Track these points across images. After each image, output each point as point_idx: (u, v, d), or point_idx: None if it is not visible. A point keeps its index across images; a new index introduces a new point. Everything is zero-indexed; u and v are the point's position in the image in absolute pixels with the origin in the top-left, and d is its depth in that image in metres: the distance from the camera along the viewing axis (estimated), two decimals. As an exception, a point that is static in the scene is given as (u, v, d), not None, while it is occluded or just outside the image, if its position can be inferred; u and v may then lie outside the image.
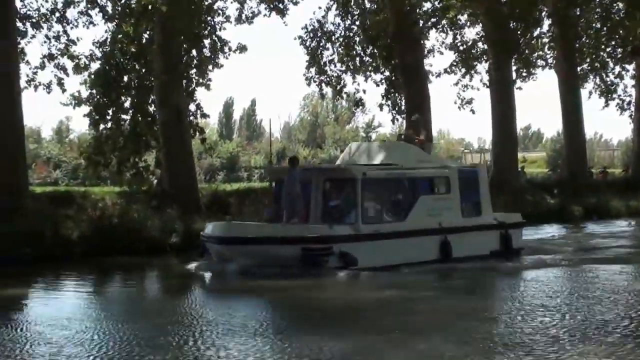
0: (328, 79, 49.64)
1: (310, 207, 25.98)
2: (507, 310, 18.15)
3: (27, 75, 36.31)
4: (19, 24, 34.49)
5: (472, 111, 52.72)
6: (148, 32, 38.78)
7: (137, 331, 16.02)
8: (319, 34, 48.96)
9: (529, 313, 17.37)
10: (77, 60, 37.79)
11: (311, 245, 23.99)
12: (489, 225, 28.22)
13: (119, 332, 15.93)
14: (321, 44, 49.15)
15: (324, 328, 16.33)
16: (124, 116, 40.30)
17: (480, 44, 51.42)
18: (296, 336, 15.36)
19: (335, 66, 49.43)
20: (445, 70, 51.63)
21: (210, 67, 39.75)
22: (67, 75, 37.64)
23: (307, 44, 48.93)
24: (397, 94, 48.71)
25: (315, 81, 49.76)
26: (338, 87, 50.15)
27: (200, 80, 39.84)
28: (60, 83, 37.27)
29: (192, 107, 39.98)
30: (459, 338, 14.90)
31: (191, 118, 40.02)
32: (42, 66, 36.84)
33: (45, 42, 36.87)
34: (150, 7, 35.28)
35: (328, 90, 51.09)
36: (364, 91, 50.93)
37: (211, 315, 18.13)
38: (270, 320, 17.46)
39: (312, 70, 49.24)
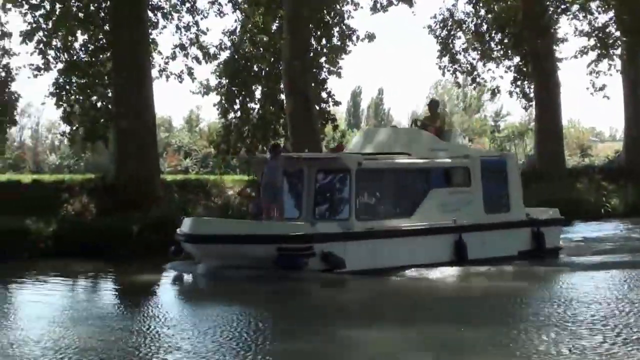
0: (461, 67, 48.95)
1: (302, 202, 22.85)
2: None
3: (159, 66, 36.65)
4: (150, 15, 34.76)
5: (607, 97, 50.63)
6: (277, 21, 38.88)
7: (270, 318, 16.36)
8: (450, 23, 48.27)
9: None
10: (206, 50, 37.95)
11: (288, 245, 20.88)
12: (517, 222, 24.93)
13: (252, 318, 16.00)
14: (452, 33, 48.45)
15: (441, 319, 16.08)
16: (252, 105, 40.62)
17: (613, 30, 49.70)
18: (419, 326, 15.23)
19: (468, 54, 48.69)
20: (574, 56, 50.02)
21: (340, 55, 39.74)
22: (200, 63, 37.86)
23: (437, 33, 48.29)
24: (526, 81, 47.70)
25: (449, 70, 49.17)
26: (472, 76, 49.29)
27: (331, 69, 39.88)
28: (190, 73, 37.53)
29: (323, 95, 40.00)
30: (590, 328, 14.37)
31: (323, 106, 40.24)
32: (174, 56, 37.14)
33: (176, 32, 37.13)
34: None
35: (461, 78, 50.28)
36: (501, 77, 50.50)
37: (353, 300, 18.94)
38: (385, 309, 17.54)
39: (445, 59, 48.60)
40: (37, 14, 33.65)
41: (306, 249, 20.96)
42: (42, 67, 34.25)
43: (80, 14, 33.98)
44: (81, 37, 34.69)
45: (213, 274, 21.18)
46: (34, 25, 33.77)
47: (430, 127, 25.02)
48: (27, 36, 33.43)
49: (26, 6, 33.46)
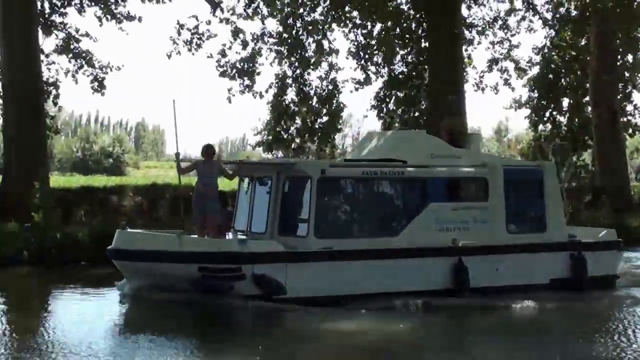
0: None
1: (268, 214, 18.80)
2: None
3: (474, 79, 37.85)
4: (465, 32, 36.11)
5: None
6: (585, 37, 39.15)
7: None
8: None
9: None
10: (517, 64, 38.82)
11: (211, 265, 17.33)
12: (548, 245, 19.86)
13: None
14: None
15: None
16: (560, 118, 41.11)
17: None
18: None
19: None
20: None
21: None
22: (509, 76, 38.65)
23: None
24: None
25: None
26: None
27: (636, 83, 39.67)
28: (507, 83, 38.62)
29: (629, 107, 40.05)
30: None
31: (628, 118, 40.07)
32: (490, 69, 38.36)
33: (489, 47, 38.26)
34: (588, 12, 35.86)
35: None
36: None
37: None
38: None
39: None
40: (360, 32, 36.07)
41: (232, 270, 17.32)
42: (363, 81, 36.51)
43: (400, 32, 35.83)
44: (400, 54, 36.51)
45: (137, 296, 18.20)
46: (356, 43, 36.11)
47: (442, 132, 21.20)
48: (354, 55, 36.13)
49: (350, 25, 35.90)
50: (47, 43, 32.06)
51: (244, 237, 18.69)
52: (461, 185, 19.73)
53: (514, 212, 19.87)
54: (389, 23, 35.62)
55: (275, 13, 34.56)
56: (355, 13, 35.47)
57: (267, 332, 15.50)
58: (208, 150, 19.38)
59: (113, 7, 32.61)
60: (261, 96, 35.04)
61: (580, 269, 19.96)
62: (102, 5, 32.38)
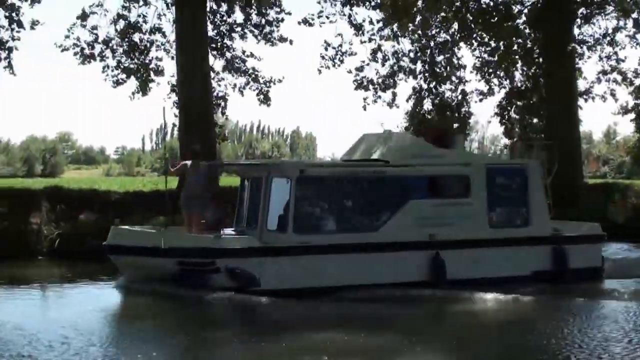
0: None
1: (259, 212, 18.09)
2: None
3: (584, 88, 37.61)
4: (577, 48, 36.18)
5: None
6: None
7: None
8: None
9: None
10: (625, 76, 38.32)
11: (187, 259, 17.17)
12: (529, 238, 19.03)
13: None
14: None
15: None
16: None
17: None
18: None
19: None
20: None
21: None
22: (619, 84, 38.47)
23: None
24: None
25: None
26: None
27: None
28: (612, 94, 38.23)
29: None
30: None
31: None
32: (599, 80, 38.09)
33: (598, 61, 38.19)
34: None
35: None
36: None
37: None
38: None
39: None
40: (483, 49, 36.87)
41: (207, 264, 17.15)
42: (486, 92, 37.56)
43: (518, 49, 36.24)
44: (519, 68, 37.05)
45: (126, 287, 18.23)
46: (480, 59, 36.81)
47: (427, 133, 20.48)
48: (478, 69, 37.08)
49: (475, 44, 36.44)
50: (218, 63, 33.11)
51: (225, 233, 18.43)
52: (443, 183, 19.03)
53: (497, 208, 19.31)
54: (508, 41, 35.73)
55: (407, 34, 35.45)
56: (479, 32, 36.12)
57: (240, 323, 15.38)
58: (197, 153, 19.18)
59: (268, 32, 34.27)
60: (390, 106, 36.53)
61: (561, 261, 19.24)
62: (258, 33, 34.30)
